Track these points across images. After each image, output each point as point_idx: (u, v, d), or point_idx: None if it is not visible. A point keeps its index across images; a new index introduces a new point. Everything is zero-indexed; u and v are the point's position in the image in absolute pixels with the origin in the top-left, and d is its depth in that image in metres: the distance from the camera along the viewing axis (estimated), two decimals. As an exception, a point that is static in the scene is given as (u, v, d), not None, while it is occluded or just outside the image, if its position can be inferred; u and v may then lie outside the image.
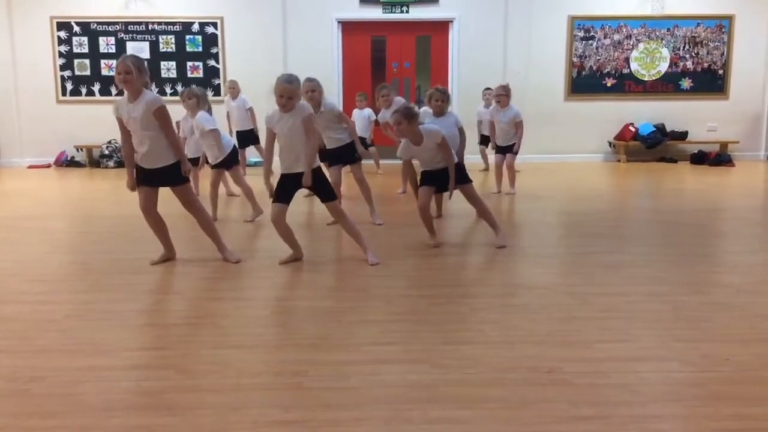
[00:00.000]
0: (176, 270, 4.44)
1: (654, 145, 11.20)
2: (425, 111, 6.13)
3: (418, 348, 3.02)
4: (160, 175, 4.35)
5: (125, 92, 4.29)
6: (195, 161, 6.46)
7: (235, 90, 9.27)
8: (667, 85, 11.56)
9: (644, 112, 11.47)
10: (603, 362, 2.83)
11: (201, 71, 11.11)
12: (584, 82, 11.50)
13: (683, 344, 3.04)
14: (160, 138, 4.27)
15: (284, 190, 4.42)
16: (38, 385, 2.64)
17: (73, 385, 2.64)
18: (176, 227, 4.88)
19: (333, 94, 10.68)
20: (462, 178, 4.94)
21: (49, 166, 11.09)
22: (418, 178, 5.14)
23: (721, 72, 11.53)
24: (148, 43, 11.08)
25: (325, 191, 4.45)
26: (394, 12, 11.16)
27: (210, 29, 11.11)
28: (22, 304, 3.68)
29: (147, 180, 4.38)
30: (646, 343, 3.07)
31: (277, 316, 3.49)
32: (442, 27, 11.37)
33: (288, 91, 4.22)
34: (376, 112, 8.12)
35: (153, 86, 11.24)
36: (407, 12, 11.16)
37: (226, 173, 6.36)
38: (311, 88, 5.45)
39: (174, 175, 4.37)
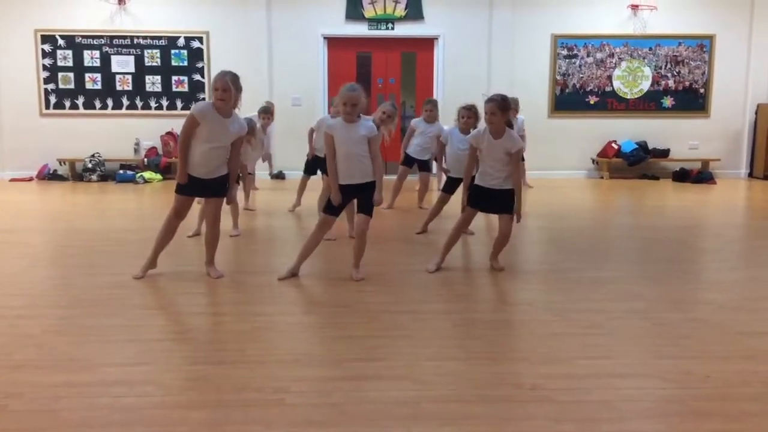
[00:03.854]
0: (157, 285, 4.41)
1: (636, 163, 11.32)
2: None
3: (400, 364, 3.01)
4: (212, 185, 4.43)
5: (215, 106, 4.28)
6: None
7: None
8: (649, 104, 11.69)
9: (627, 130, 11.59)
10: (585, 379, 2.84)
11: (186, 85, 11.11)
12: (567, 100, 11.61)
13: (664, 361, 3.06)
14: (226, 155, 4.42)
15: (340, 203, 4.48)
16: (15, 402, 2.60)
17: (51, 401, 2.61)
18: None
19: (319, 110, 10.72)
20: (509, 206, 4.66)
21: (31, 179, 11.00)
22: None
23: (702, 91, 11.68)
24: (133, 57, 11.06)
25: (369, 204, 4.47)
26: (380, 28, 11.23)
27: (195, 44, 11.12)
28: (0, 319, 3.62)
29: (193, 189, 4.45)
30: (628, 360, 3.08)
31: (258, 331, 3.47)
32: (427, 44, 11.45)
33: (353, 98, 4.29)
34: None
35: (137, 100, 11.30)
36: (393, 29, 11.23)
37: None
38: (390, 113, 5.60)
39: (222, 186, 4.49)
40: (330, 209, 4.51)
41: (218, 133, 4.30)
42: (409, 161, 7.64)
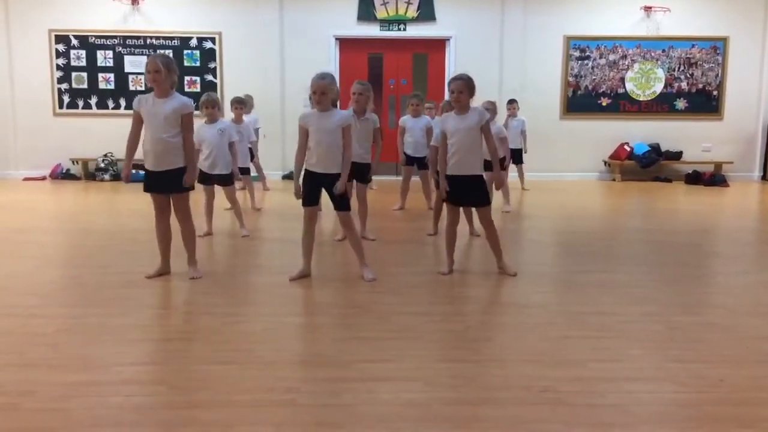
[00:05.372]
0: (169, 285, 4.42)
1: (649, 165, 11.26)
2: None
3: (411, 366, 3.00)
4: (165, 179, 4.37)
5: (153, 90, 4.33)
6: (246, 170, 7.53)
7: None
8: (662, 106, 11.64)
9: (639, 132, 11.54)
10: (597, 382, 2.82)
11: (198, 86, 11.15)
12: (580, 102, 11.57)
13: (677, 365, 3.04)
14: (176, 142, 4.33)
15: (310, 191, 4.45)
16: (28, 400, 2.61)
17: (63, 399, 2.62)
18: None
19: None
20: (484, 199, 4.64)
21: (44, 178, 11.07)
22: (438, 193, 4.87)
23: (715, 93, 11.62)
24: (146, 57, 11.08)
25: (343, 200, 4.46)
26: (392, 30, 11.24)
27: (208, 44, 11.16)
28: (13, 318, 3.65)
29: (155, 186, 4.42)
30: (640, 364, 3.06)
31: (269, 332, 3.47)
32: (438, 45, 11.44)
33: (321, 87, 4.27)
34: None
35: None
36: (404, 30, 11.24)
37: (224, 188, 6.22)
38: (360, 91, 5.52)
39: (178, 181, 4.40)
40: (306, 200, 4.46)
41: (156, 114, 4.27)
42: (410, 161, 7.63)
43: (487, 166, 4.80)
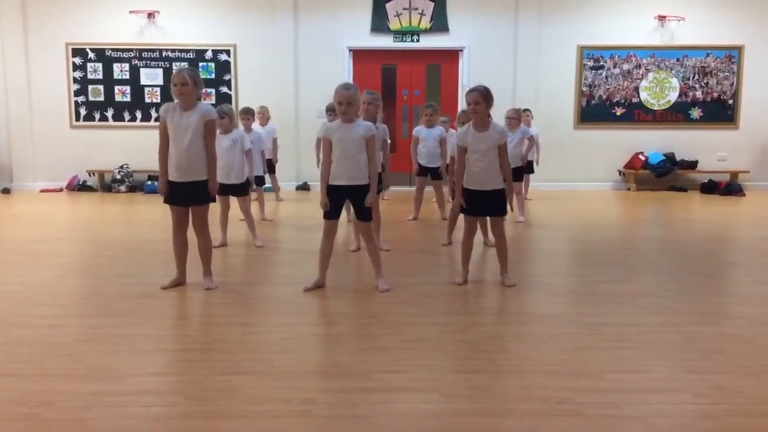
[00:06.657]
0: (186, 295, 4.44)
1: (664, 174, 11.20)
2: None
3: (428, 376, 3.00)
4: (188, 191, 4.40)
5: (177, 101, 4.37)
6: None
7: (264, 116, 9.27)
8: (676, 115, 11.58)
9: (654, 141, 11.48)
10: (615, 393, 2.81)
11: (214, 98, 11.21)
12: (594, 111, 11.54)
13: (696, 376, 3.01)
14: (201, 154, 4.38)
15: (334, 206, 4.46)
16: (47, 410, 2.63)
17: (82, 410, 2.64)
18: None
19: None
20: (501, 209, 4.66)
21: (61, 190, 11.17)
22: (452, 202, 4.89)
23: (731, 102, 11.55)
24: (161, 69, 11.21)
25: (365, 211, 4.47)
26: (405, 41, 11.27)
27: (223, 56, 11.24)
28: (32, 328, 3.68)
29: (177, 198, 4.45)
30: (659, 374, 3.04)
31: (286, 342, 3.48)
32: (452, 56, 11.46)
33: (346, 97, 4.27)
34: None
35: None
36: (418, 41, 11.27)
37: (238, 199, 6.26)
38: (369, 100, 5.55)
39: (202, 193, 4.44)
40: (328, 214, 4.48)
41: (183, 127, 4.32)
42: (423, 171, 7.65)
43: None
